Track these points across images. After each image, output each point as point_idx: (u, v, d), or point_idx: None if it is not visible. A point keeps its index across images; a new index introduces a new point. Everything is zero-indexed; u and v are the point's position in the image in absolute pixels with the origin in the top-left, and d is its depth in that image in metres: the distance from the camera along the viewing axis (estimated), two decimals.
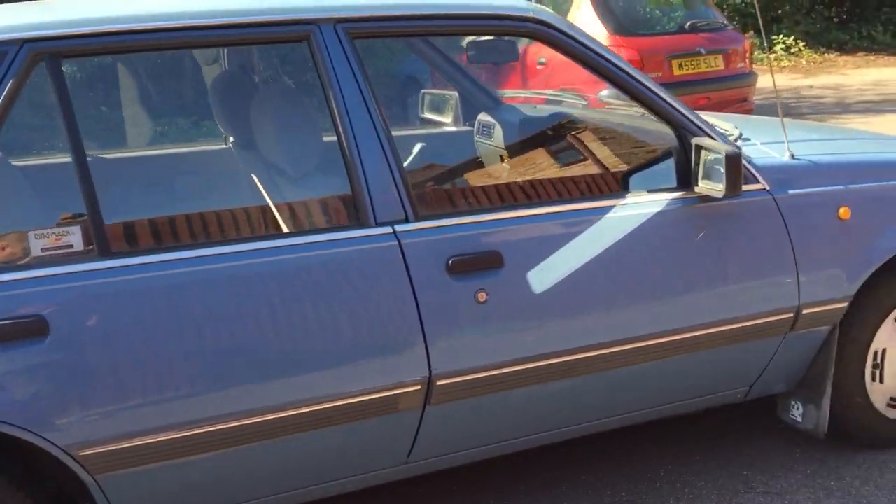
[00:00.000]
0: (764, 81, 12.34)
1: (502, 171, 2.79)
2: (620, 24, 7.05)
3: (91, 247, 1.84)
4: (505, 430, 2.29)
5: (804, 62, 13.79)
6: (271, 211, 2.17)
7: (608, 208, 2.25)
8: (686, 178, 2.32)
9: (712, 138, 2.31)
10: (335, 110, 2.02)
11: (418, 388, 2.07)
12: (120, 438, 1.82)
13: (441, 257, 2.06)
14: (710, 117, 2.73)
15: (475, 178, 2.75)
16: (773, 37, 14.18)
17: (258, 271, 1.94)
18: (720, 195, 2.21)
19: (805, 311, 2.48)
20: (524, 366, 2.17)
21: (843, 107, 9.86)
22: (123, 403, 1.83)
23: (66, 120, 1.84)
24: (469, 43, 8.65)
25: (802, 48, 14.05)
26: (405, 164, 2.66)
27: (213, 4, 2.08)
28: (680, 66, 6.96)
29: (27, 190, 2.21)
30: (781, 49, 13.97)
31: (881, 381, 2.69)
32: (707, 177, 2.24)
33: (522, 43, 7.57)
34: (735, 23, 14.11)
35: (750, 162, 2.42)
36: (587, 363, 2.24)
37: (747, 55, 7.48)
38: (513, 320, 2.15)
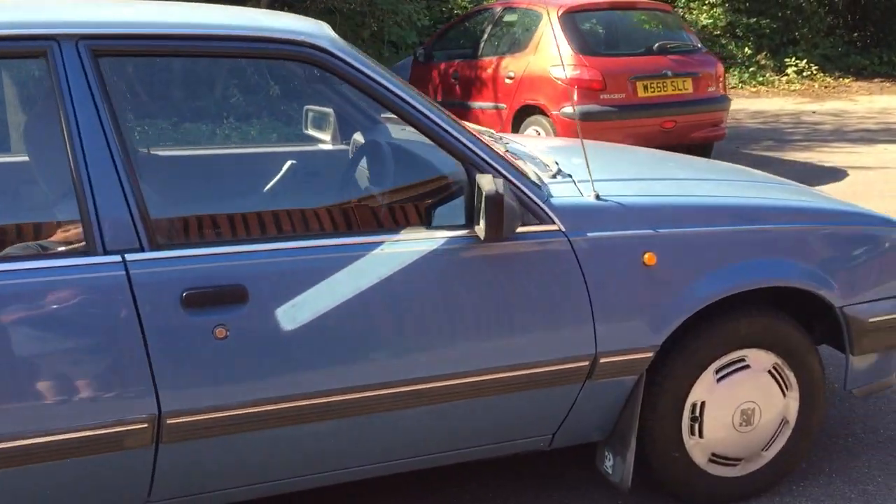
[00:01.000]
0: (767, 104, 12.21)
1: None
2: (585, 43, 6.95)
3: None
4: (267, 469, 2.20)
5: (817, 86, 13.51)
6: (9, 233, 2.11)
7: (374, 244, 2.15)
8: (471, 216, 2.22)
9: (498, 175, 2.21)
10: (66, 130, 1.95)
11: (146, 426, 1.99)
12: None
13: (175, 290, 1.98)
14: (541, 148, 2.62)
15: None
16: (786, 59, 13.92)
17: None
18: (482, 237, 2.11)
19: (603, 360, 2.36)
20: (271, 406, 2.08)
21: (838, 135, 9.61)
22: None
23: None
24: (417, 48, 8.53)
25: (815, 72, 13.77)
26: (269, 186, 2.59)
27: None
28: (645, 88, 6.83)
29: None
30: (793, 72, 13.70)
31: (700, 435, 2.56)
32: (483, 216, 2.13)
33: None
34: (734, 44, 13.92)
35: (545, 201, 2.30)
36: (347, 405, 2.15)
37: (720, 79, 7.31)
38: (257, 359, 2.06)
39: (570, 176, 2.53)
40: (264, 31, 2.15)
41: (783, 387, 2.63)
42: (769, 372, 2.60)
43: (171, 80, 2.46)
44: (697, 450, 2.58)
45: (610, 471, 2.53)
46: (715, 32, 14.32)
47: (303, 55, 2.16)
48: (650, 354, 2.41)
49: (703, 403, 2.55)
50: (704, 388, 2.54)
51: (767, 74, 13.84)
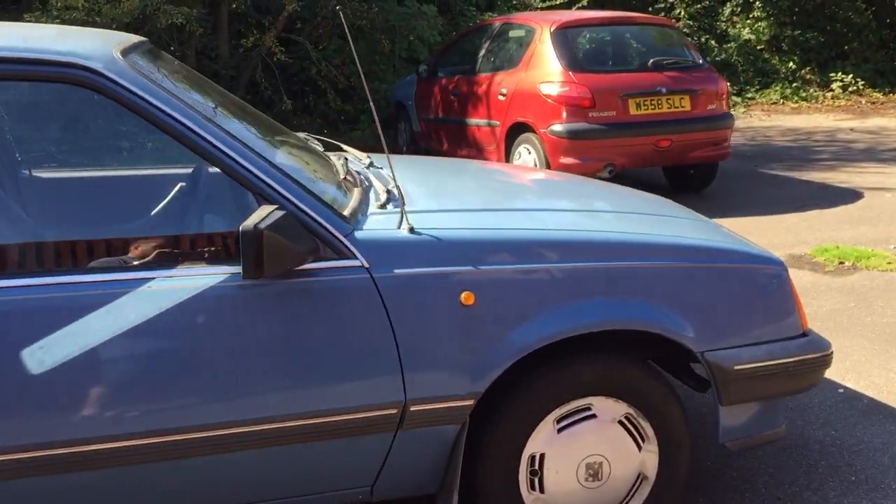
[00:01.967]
0: (803, 121, 11.72)
1: None
2: (576, 60, 6.72)
3: None
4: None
5: (864, 102, 12.95)
6: None
7: (140, 281, 2.00)
8: None
9: (287, 206, 2.04)
10: None
11: None
12: None
13: None
14: (392, 174, 2.43)
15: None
16: (832, 74, 13.38)
17: None
18: (242, 275, 1.94)
19: (414, 408, 2.17)
20: (18, 455, 1.94)
21: (870, 154, 9.14)
22: None
23: None
24: (420, 65, 8.37)
25: (863, 87, 13.20)
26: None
27: None
28: (637, 106, 6.57)
29: None
30: (839, 87, 13.15)
31: (542, 490, 2.35)
32: (240, 252, 1.95)
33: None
34: (777, 59, 13.41)
35: (347, 234, 2.12)
36: (110, 455, 1.99)
37: (723, 96, 6.99)
38: (10, 405, 1.92)
39: (399, 206, 2.35)
40: (33, 53, 2.02)
41: (638, 439, 2.39)
42: (620, 422, 2.37)
43: None
44: None
45: None
46: (758, 46, 13.84)
47: (75, 78, 2.02)
48: (470, 402, 2.21)
49: (542, 456, 2.33)
50: (543, 439, 2.32)
51: (811, 90, 13.31)
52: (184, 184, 2.43)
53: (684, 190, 7.29)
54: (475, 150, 7.48)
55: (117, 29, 7.57)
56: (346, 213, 2.19)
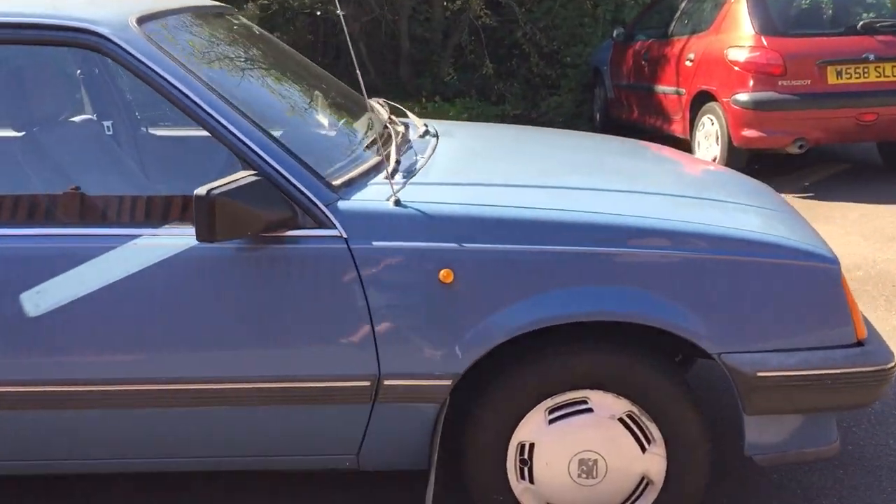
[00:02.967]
0: None
1: None
2: (771, 22, 6.19)
3: None
4: (33, 448, 2.26)
5: None
6: None
7: (130, 237, 2.11)
8: None
9: (267, 170, 2.06)
10: None
11: None
12: None
13: None
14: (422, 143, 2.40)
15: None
16: None
17: None
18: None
19: (388, 383, 2.14)
20: (22, 388, 2.13)
21: None
22: None
23: None
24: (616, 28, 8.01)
25: None
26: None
27: None
28: (837, 74, 5.97)
29: None
30: None
31: (531, 481, 2.24)
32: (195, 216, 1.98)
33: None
34: None
35: (329, 203, 2.11)
36: (104, 396, 2.14)
37: None
38: (7, 342, 2.12)
39: (412, 176, 2.31)
40: (45, 18, 2.17)
41: (642, 439, 2.21)
42: (621, 420, 2.20)
43: None
44: (528, 496, 2.26)
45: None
46: None
47: (83, 42, 2.15)
48: (448, 383, 2.14)
49: (531, 445, 2.22)
50: (533, 428, 2.21)
51: None
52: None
53: None
54: (661, 120, 7.14)
55: None
56: (337, 181, 2.18)
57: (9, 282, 2.09)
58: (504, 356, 2.18)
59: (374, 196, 2.18)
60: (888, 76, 6.00)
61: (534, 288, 2.11)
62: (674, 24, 7.18)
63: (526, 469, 2.24)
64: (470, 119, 8.67)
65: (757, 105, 5.97)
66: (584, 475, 2.22)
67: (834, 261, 2.19)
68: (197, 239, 1.96)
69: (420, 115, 8.26)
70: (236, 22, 2.87)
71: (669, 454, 2.22)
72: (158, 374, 2.13)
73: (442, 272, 2.09)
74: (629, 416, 2.20)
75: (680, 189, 2.54)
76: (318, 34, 9.70)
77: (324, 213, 2.10)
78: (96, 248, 2.10)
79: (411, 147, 2.62)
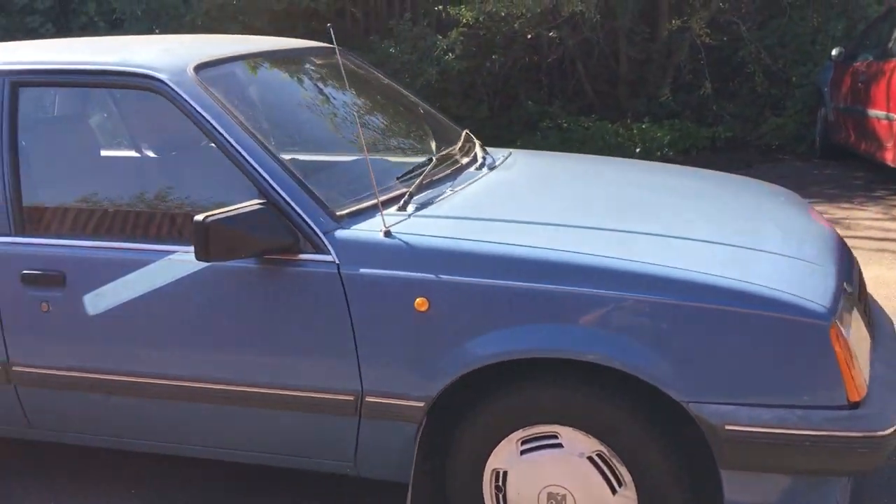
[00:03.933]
0: None
1: None
2: None
3: None
4: (93, 425, 2.66)
5: None
6: None
7: (167, 253, 2.45)
8: None
9: (275, 199, 2.32)
10: None
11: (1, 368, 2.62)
12: None
13: (17, 269, 2.56)
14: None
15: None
16: None
17: None
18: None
19: (370, 399, 2.32)
20: (84, 374, 2.55)
21: None
22: None
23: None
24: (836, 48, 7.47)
25: None
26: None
27: None
28: None
29: None
30: None
31: None
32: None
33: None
34: None
35: (327, 231, 2.33)
36: (141, 388, 2.51)
37: None
38: (70, 334, 2.54)
39: (424, 208, 2.47)
40: (117, 66, 2.57)
41: (612, 481, 2.21)
42: (590, 459, 2.22)
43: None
44: None
45: None
46: None
47: (146, 85, 2.52)
48: (422, 405, 2.28)
49: (505, 473, 2.30)
50: (505, 457, 2.29)
51: None
52: None
53: None
54: (874, 146, 6.62)
55: (529, 15, 8.14)
56: (342, 212, 2.39)
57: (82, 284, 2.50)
58: (485, 383, 2.27)
59: (373, 227, 2.37)
60: None
61: (499, 322, 2.19)
62: (891, 42, 6.64)
63: (500, 496, 2.32)
64: (677, 141, 8.50)
65: None
66: None
67: (822, 315, 2.07)
68: (196, 258, 2.25)
69: (625, 138, 8.19)
70: (319, 62, 3.16)
71: (640, 499, 2.20)
72: (178, 372, 2.46)
73: (418, 300, 2.24)
74: (599, 456, 2.22)
75: (686, 230, 2.45)
76: (543, 54, 9.90)
77: (321, 239, 2.32)
78: (142, 260, 2.46)
79: (450, 180, 2.76)
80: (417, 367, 2.26)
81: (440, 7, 8.09)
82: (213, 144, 2.45)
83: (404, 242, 2.30)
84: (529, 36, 8.77)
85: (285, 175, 2.38)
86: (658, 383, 2.10)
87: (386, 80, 3.49)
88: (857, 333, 2.26)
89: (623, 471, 2.21)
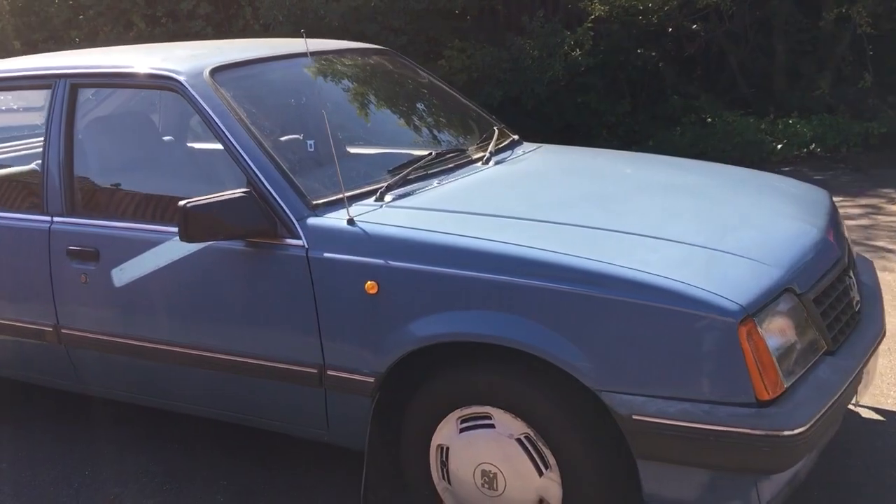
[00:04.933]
0: None
1: None
2: None
3: None
4: (124, 384, 3.04)
5: None
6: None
7: (173, 234, 2.76)
8: None
9: (259, 189, 2.58)
10: (49, 129, 3.06)
11: (51, 329, 3.05)
12: None
13: (64, 245, 2.97)
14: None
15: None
16: None
17: None
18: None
19: (330, 373, 2.54)
20: (115, 339, 2.92)
21: None
22: None
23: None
24: None
25: None
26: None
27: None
28: None
29: None
30: None
31: (449, 482, 2.47)
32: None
33: None
34: None
35: (300, 218, 2.56)
36: (152, 353, 2.85)
37: None
38: (103, 303, 2.92)
39: (400, 199, 2.66)
40: (147, 69, 2.92)
41: (539, 463, 2.32)
42: (519, 440, 2.33)
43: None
44: (448, 495, 2.50)
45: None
46: None
47: (169, 86, 2.86)
48: (372, 380, 2.47)
49: (447, 449, 2.45)
50: (448, 434, 2.45)
51: None
52: None
53: None
54: None
55: (667, 8, 8.03)
56: (318, 201, 2.62)
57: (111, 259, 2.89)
58: (433, 363, 2.44)
59: (341, 215, 2.58)
60: None
61: (436, 307, 2.34)
62: None
63: (445, 470, 2.47)
64: (824, 137, 8.10)
65: None
66: (486, 485, 2.39)
67: (732, 313, 2.07)
68: (179, 237, 2.55)
69: (767, 133, 7.94)
70: (349, 62, 3.40)
71: (564, 483, 2.29)
72: (177, 340, 2.80)
73: (368, 283, 2.43)
74: (527, 439, 2.32)
75: (642, 227, 2.44)
76: (689, 47, 9.69)
77: (295, 226, 2.56)
78: (155, 240, 2.80)
79: (447, 173, 2.92)
80: (369, 344, 2.46)
81: (570, 4, 8.14)
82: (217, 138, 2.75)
83: (362, 230, 2.49)
84: (670, 29, 8.63)
85: (272, 167, 2.64)
86: (574, 371, 2.19)
87: (426, 79, 3.69)
88: (802, 336, 2.24)
89: (549, 454, 2.30)
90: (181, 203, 2.50)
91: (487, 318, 2.29)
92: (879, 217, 6.08)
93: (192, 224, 2.50)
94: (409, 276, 2.39)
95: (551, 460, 2.30)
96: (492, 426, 2.37)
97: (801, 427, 2.05)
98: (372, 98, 3.32)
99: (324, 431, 2.70)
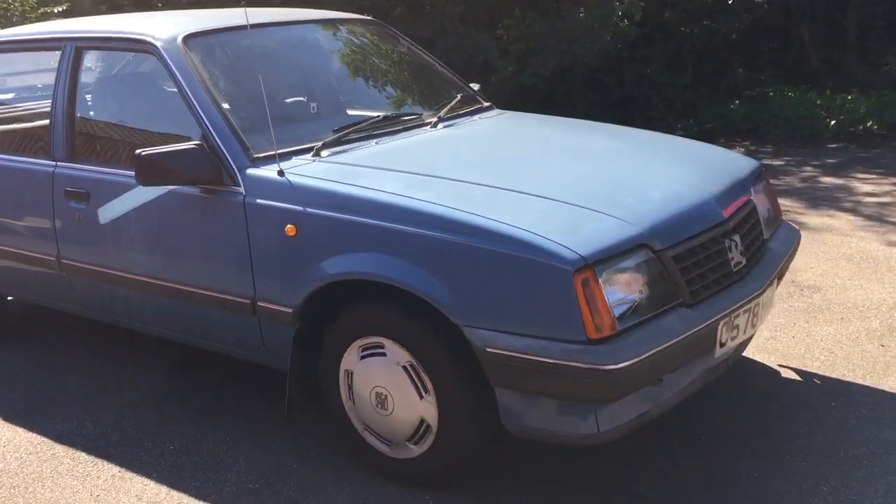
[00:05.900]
0: None
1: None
2: None
3: None
4: (109, 308, 3.49)
5: None
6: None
7: None
8: None
9: (209, 142, 2.96)
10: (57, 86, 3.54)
11: (54, 259, 3.54)
12: None
13: (62, 187, 3.44)
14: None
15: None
16: None
17: None
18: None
19: (261, 304, 2.91)
20: (100, 268, 3.39)
21: None
22: None
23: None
24: None
25: None
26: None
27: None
28: None
29: None
30: None
31: (354, 402, 2.83)
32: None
33: None
34: None
35: (242, 169, 2.93)
36: (126, 282, 3.30)
37: None
38: (91, 238, 3.38)
39: (335, 156, 3.01)
40: (125, 34, 3.35)
41: (420, 388, 2.64)
42: (404, 368, 2.66)
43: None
44: (353, 414, 2.85)
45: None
46: None
47: (147, 49, 3.27)
48: (290, 311, 2.83)
49: (352, 373, 2.80)
50: (351, 360, 2.79)
51: None
52: None
53: None
54: None
55: None
56: (259, 154, 2.98)
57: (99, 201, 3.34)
58: (342, 298, 2.78)
59: (276, 167, 2.93)
60: None
61: (341, 249, 2.68)
62: None
63: (351, 392, 2.83)
64: (879, 113, 7.97)
65: None
66: (379, 406, 2.73)
67: (571, 262, 2.32)
68: (136, 181, 2.96)
69: (822, 108, 8.00)
70: (326, 31, 3.75)
71: (439, 406, 2.61)
72: (143, 271, 3.23)
73: (288, 227, 2.79)
74: (411, 366, 2.64)
75: (534, 187, 2.70)
76: (758, 19, 9.61)
77: (237, 175, 2.94)
78: (131, 185, 3.22)
79: (391, 134, 3.25)
80: (289, 280, 2.82)
81: None
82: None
83: (288, 181, 2.85)
84: (730, 1, 8.60)
85: (222, 123, 3.01)
86: (442, 308, 2.49)
87: (406, 48, 4.00)
88: (652, 287, 2.48)
89: (427, 380, 2.62)
90: (137, 151, 2.91)
91: (377, 259, 2.61)
92: None
93: (146, 170, 2.91)
94: (321, 221, 2.73)
95: (430, 386, 2.62)
96: (384, 354, 2.70)
97: (622, 363, 2.30)
98: (346, 65, 3.65)
99: (261, 354, 3.09)
